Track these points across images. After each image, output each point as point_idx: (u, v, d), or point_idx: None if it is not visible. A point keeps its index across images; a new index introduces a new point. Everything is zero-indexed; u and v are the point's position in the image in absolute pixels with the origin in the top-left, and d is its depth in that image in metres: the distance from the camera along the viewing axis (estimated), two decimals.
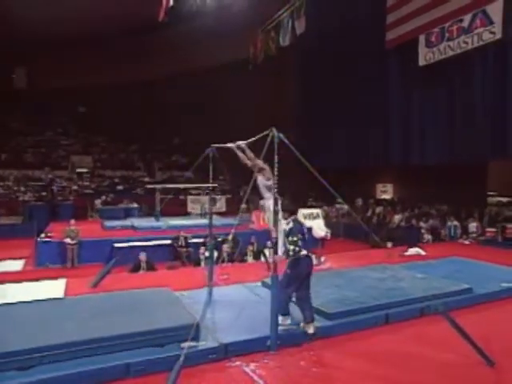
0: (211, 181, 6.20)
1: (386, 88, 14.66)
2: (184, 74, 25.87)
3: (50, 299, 5.01)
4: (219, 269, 8.24)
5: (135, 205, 19.93)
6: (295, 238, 4.58)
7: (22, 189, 20.80)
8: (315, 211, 14.94)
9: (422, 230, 12.72)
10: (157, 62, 26.45)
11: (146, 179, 25.76)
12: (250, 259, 9.67)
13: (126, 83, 28.34)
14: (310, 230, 5.02)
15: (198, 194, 23.15)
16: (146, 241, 12.10)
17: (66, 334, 3.74)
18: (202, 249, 9.95)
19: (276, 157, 4.62)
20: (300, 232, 4.69)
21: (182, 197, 22.19)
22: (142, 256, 8.29)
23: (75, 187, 22.11)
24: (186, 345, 3.77)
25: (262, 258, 8.59)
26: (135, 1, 20.96)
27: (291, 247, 4.54)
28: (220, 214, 21.88)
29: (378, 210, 16.18)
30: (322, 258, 8.31)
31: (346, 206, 18.02)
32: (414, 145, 13.96)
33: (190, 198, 21.99)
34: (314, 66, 18.01)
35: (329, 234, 8.05)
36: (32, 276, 10.02)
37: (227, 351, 4.02)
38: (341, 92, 16.26)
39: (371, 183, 18.74)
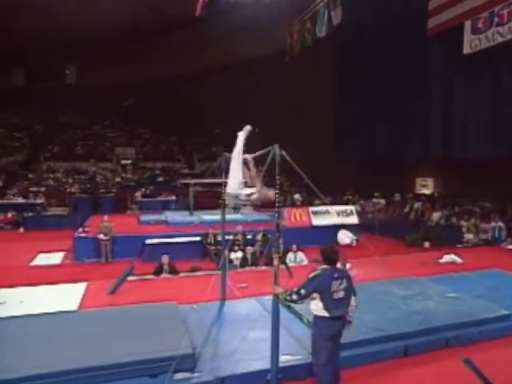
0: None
1: (427, 78, 13.76)
2: (223, 66, 25.83)
3: (55, 313, 5.08)
4: (239, 274, 8.14)
5: (173, 197, 20.28)
6: (302, 291, 3.59)
7: (70, 181, 21.82)
8: (349, 208, 14.60)
9: (463, 229, 11.84)
10: (196, 56, 26.57)
11: (186, 171, 26.16)
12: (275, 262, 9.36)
13: (167, 76, 28.82)
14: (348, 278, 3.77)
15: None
16: (177, 237, 12.26)
17: (55, 360, 3.71)
18: (233, 255, 9.69)
19: (277, 177, 4.15)
20: (319, 289, 3.60)
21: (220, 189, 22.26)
22: (165, 259, 8.32)
23: (118, 179, 22.85)
24: (180, 376, 3.66)
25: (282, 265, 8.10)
26: None
27: (288, 296, 3.69)
28: (255, 206, 21.89)
29: (417, 205, 15.29)
30: (348, 265, 7.91)
31: (382, 201, 17.37)
32: (457, 137, 13.08)
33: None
34: (351, 57, 17.42)
35: (355, 242, 7.64)
36: (66, 271, 10.52)
37: None
38: (379, 83, 15.59)
39: (411, 177, 17.79)
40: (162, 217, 15.07)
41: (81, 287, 6.77)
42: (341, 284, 3.67)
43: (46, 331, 4.29)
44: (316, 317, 3.68)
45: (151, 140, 29.77)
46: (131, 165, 25.29)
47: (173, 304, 5.21)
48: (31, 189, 19.42)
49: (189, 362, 3.81)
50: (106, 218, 11.76)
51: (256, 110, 24.25)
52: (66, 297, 6.34)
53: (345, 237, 7.59)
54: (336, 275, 3.70)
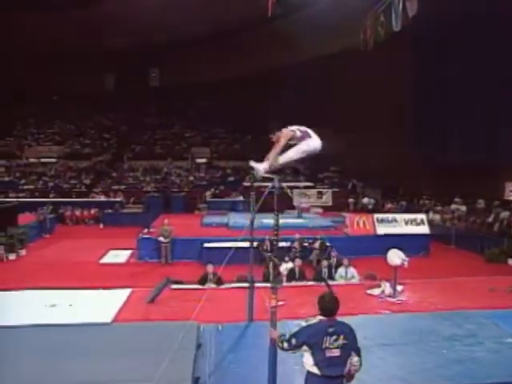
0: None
1: None
2: (295, 64, 25.41)
3: (86, 325, 5.31)
4: (280, 290, 7.84)
5: (241, 198, 20.52)
6: (293, 341, 3.21)
7: (148, 179, 23.25)
8: (419, 217, 13.43)
9: None
10: (269, 55, 26.52)
11: None
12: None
13: (242, 76, 29.18)
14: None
15: (306, 187, 22.82)
16: (234, 242, 12.29)
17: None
18: (283, 266, 9.33)
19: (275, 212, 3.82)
20: (310, 343, 3.17)
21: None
22: (209, 268, 8.35)
23: (191, 178, 23.78)
24: None
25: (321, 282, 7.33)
26: None
27: (280, 343, 3.33)
28: (325, 208, 21.29)
29: (503, 215, 13.51)
30: (399, 288, 7.21)
31: (463, 208, 15.70)
32: None
33: (295, 191, 21.75)
34: (431, 52, 15.98)
35: (406, 263, 6.89)
36: (128, 270, 11.17)
37: None
38: (465, 81, 14.24)
39: (499, 182, 15.81)
40: (224, 219, 15.30)
41: (124, 294, 7.06)
42: (336, 340, 3.15)
43: (61, 343, 4.51)
44: (308, 372, 3.27)
45: (226, 139, 30.49)
46: (205, 164, 26.15)
47: (193, 324, 5.14)
48: (113, 187, 21.04)
49: None
50: (166, 221, 12.24)
51: (328, 110, 23.57)
52: (109, 302, 6.65)
53: (395, 257, 6.87)
54: (331, 330, 3.17)
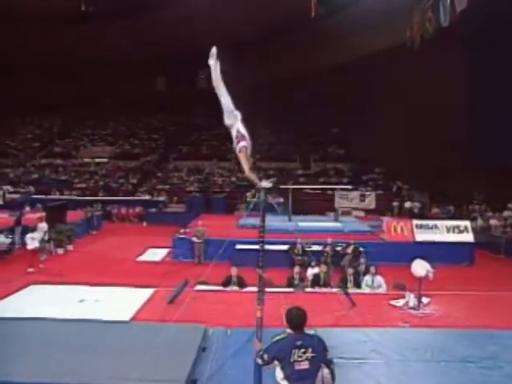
0: None
1: None
2: (342, 64, 24.95)
3: (104, 322, 5.61)
4: (301, 296, 7.75)
5: (280, 199, 20.47)
6: (265, 357, 3.20)
7: (191, 179, 23.89)
8: (463, 224, 12.67)
9: None
10: (314, 55, 26.27)
11: (300, 171, 26.19)
12: (349, 285, 8.59)
13: (288, 76, 29.11)
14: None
15: (349, 189, 22.30)
16: (266, 244, 12.33)
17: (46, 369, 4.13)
18: (309, 271, 9.24)
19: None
20: (279, 357, 3.17)
21: (330, 192, 21.85)
22: (233, 270, 8.46)
23: (233, 179, 24.09)
24: None
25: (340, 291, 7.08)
26: None
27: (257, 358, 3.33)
28: (367, 211, 20.68)
29: None
30: (425, 300, 6.87)
31: None
32: None
33: (337, 193, 21.36)
34: (483, 47, 14.96)
35: (431, 274, 6.56)
36: (162, 269, 11.55)
37: None
38: None
39: None
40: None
41: (148, 293, 7.38)
42: (304, 353, 3.13)
43: (77, 338, 4.80)
44: None
45: (269, 140, 30.54)
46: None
47: (200, 327, 5.25)
48: (157, 187, 21.85)
49: None
50: (200, 222, 12.53)
51: (376, 109, 22.92)
52: (132, 301, 6.98)
53: (420, 268, 6.55)
54: (299, 343, 3.17)
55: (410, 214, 18.16)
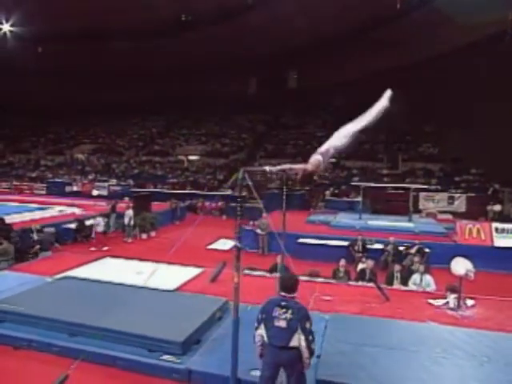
0: None
1: None
2: (434, 57, 23.43)
3: (152, 290, 6.51)
4: (340, 287, 7.77)
5: (359, 198, 20.07)
6: (259, 316, 3.79)
7: (274, 177, 24.59)
8: None
9: None
10: (402, 51, 25.08)
11: (385, 171, 25.24)
12: (395, 282, 8.33)
13: (375, 72, 28.19)
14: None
15: (436, 191, 20.92)
16: (327, 240, 12.47)
17: (101, 317, 5.00)
18: (359, 266, 9.23)
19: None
20: (264, 316, 3.72)
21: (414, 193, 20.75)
22: (279, 259, 8.79)
23: (315, 177, 24.16)
24: (166, 357, 4.34)
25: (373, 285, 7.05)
26: None
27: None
28: (456, 215, 19.12)
29: None
30: (469, 303, 6.46)
31: None
32: None
33: (422, 194, 20.22)
34: None
35: (471, 274, 6.15)
36: (226, 256, 12.30)
37: (190, 378, 4.27)
38: None
39: None
40: (329, 218, 15.40)
41: (196, 271, 8.18)
42: (285, 313, 3.48)
43: (124, 298, 5.79)
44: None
45: (358, 138, 29.82)
46: (331, 163, 26.19)
47: (220, 300, 5.78)
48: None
49: (176, 349, 4.45)
50: (264, 215, 13.03)
51: (470, 106, 21.16)
52: (182, 276, 7.83)
53: (459, 266, 6.18)
54: (283, 303, 3.55)
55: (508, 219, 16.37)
